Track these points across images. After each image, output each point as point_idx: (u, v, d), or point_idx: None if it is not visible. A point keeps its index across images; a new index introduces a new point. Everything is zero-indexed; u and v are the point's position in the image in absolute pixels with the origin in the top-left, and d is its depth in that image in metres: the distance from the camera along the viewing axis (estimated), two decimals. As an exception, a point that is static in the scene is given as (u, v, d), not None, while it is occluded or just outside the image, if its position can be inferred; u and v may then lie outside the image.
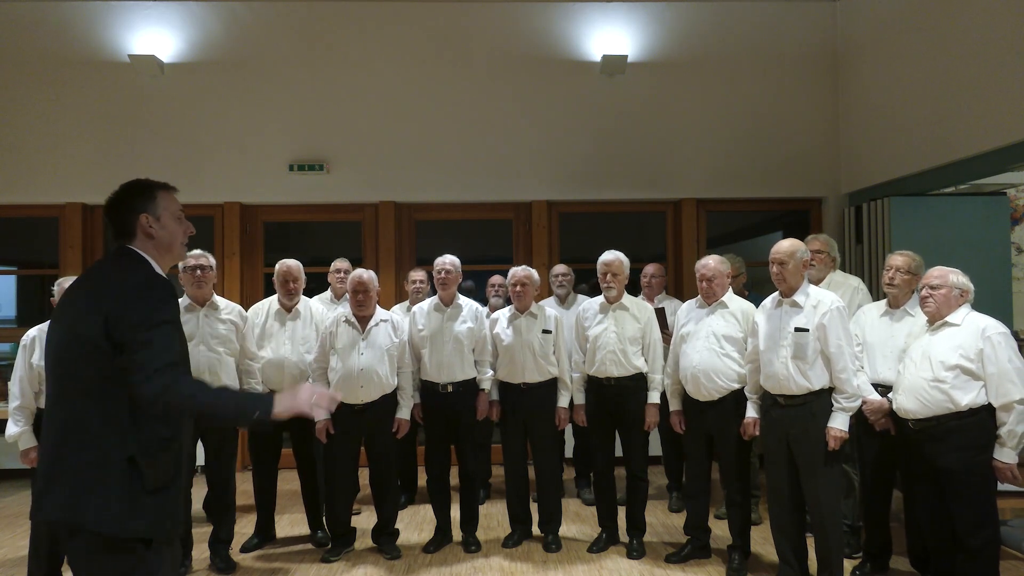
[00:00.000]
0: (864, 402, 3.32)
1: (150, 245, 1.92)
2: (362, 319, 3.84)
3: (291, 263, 4.08)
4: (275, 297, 4.11)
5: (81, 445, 1.75)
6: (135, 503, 1.75)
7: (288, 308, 4.07)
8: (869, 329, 3.55)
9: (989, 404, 3.01)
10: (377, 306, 3.91)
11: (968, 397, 3.01)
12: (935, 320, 3.17)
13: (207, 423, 1.87)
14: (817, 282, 3.82)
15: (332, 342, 3.83)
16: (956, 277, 3.15)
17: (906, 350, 3.30)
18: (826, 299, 3.25)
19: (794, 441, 3.25)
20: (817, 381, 3.20)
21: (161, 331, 1.77)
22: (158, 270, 1.91)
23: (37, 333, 3.43)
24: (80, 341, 1.77)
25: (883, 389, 3.39)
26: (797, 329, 3.23)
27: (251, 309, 4.13)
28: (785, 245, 3.32)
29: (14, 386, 3.37)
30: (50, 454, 1.79)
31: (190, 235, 2.03)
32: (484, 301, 4.86)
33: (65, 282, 3.56)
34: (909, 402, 3.13)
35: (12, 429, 3.36)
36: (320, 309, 4.21)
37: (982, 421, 3.02)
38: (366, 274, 3.85)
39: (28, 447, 3.34)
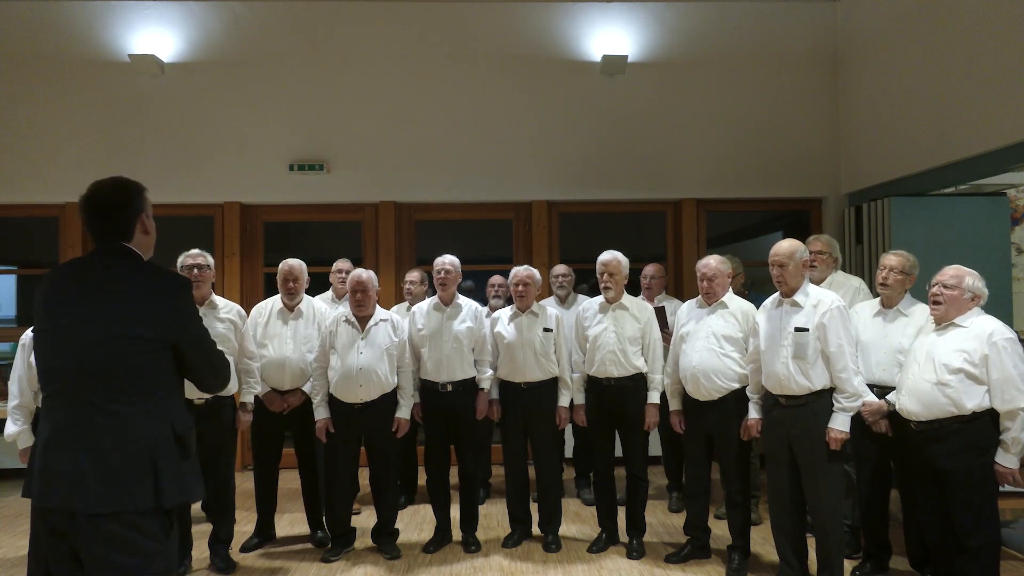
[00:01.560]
0: (862, 403, 3.31)
1: (143, 242, 2.01)
2: (361, 319, 3.84)
3: (293, 263, 4.08)
4: (278, 296, 4.12)
5: (136, 434, 1.84)
6: (186, 472, 1.93)
7: (290, 307, 4.08)
8: (862, 329, 3.52)
9: (992, 408, 2.99)
10: (377, 306, 3.92)
11: (973, 402, 2.97)
12: (941, 321, 3.13)
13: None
14: (819, 282, 3.81)
15: (332, 341, 3.83)
16: (971, 280, 3.09)
17: (910, 349, 3.28)
18: (826, 298, 3.25)
19: (795, 441, 3.25)
20: (818, 381, 3.20)
21: (203, 326, 2.08)
22: None
23: (36, 333, 3.42)
24: (125, 339, 1.86)
25: (878, 390, 3.39)
26: (797, 329, 3.22)
27: (254, 308, 4.14)
28: (784, 246, 3.31)
29: (13, 385, 3.38)
30: (90, 449, 1.81)
31: None
32: (484, 301, 4.86)
33: None
34: (912, 403, 3.11)
35: (11, 428, 3.37)
36: (323, 308, 4.22)
37: (984, 424, 3.00)
38: (365, 274, 3.85)
39: (27, 446, 3.34)
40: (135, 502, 1.82)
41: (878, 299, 3.59)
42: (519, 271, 4.02)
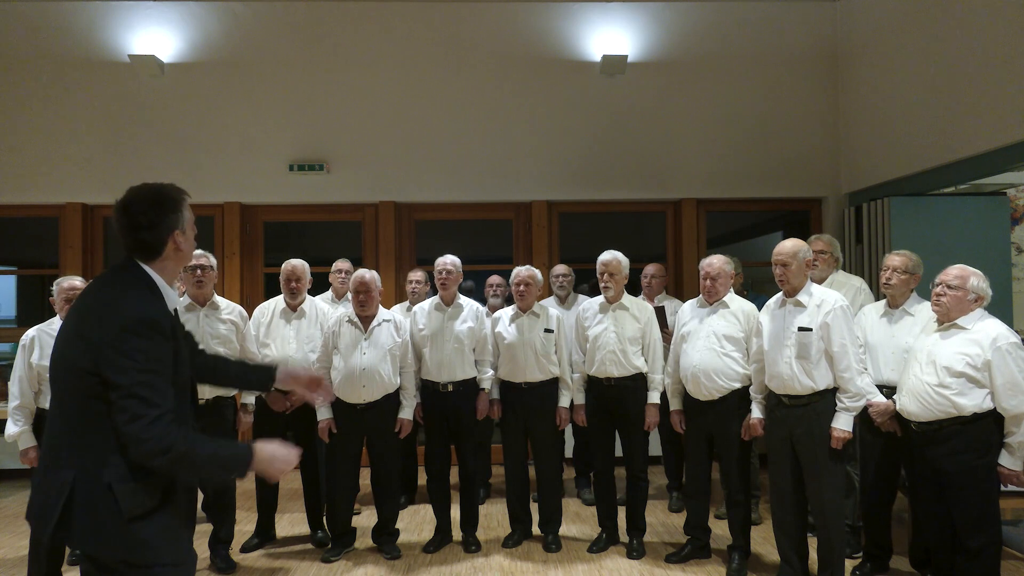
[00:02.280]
0: (870, 404, 3.31)
1: (172, 261, 1.85)
2: (364, 319, 3.84)
3: (296, 263, 4.09)
4: (281, 296, 4.12)
5: (65, 465, 1.70)
6: (118, 528, 1.68)
7: (293, 307, 4.08)
8: (870, 330, 3.53)
9: (993, 409, 2.99)
10: (380, 306, 3.92)
11: (973, 403, 2.98)
12: (943, 321, 3.12)
13: (185, 476, 1.82)
14: (820, 282, 3.81)
15: (335, 342, 3.83)
16: (976, 281, 3.07)
17: (911, 349, 3.27)
18: (829, 298, 3.25)
19: (798, 441, 3.25)
20: (821, 381, 3.20)
21: (152, 374, 1.68)
22: (165, 291, 1.82)
23: (36, 333, 3.43)
24: (69, 362, 1.71)
25: (887, 390, 3.38)
26: (801, 328, 3.22)
27: (257, 308, 4.16)
28: (787, 246, 3.31)
29: (13, 386, 3.38)
30: (43, 466, 1.77)
31: None
32: (484, 301, 4.86)
33: (64, 282, 3.55)
34: (912, 404, 3.12)
35: (11, 428, 3.37)
36: (326, 308, 4.22)
37: (986, 426, 3.00)
38: (368, 274, 3.85)
39: (28, 447, 3.35)
40: (41, 530, 1.70)
41: (884, 300, 3.59)
42: (521, 271, 4.02)
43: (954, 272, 3.12)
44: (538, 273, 4.05)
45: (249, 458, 1.78)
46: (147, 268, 1.81)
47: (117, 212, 1.80)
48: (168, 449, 1.66)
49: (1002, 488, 3.06)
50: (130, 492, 1.69)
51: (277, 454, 1.81)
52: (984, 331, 3.01)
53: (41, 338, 3.39)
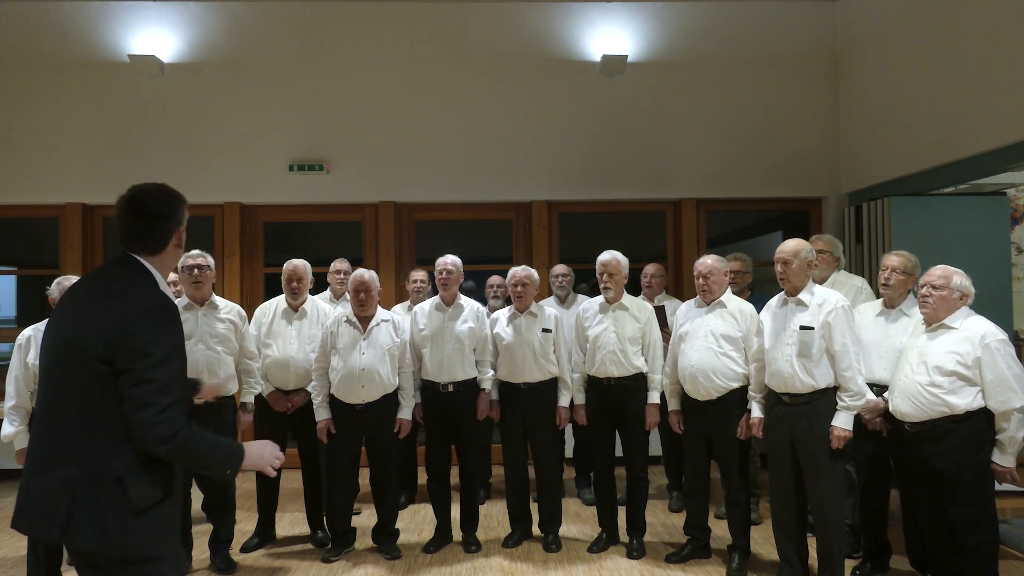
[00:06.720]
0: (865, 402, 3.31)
1: (172, 256, 1.89)
2: (363, 319, 3.84)
3: (297, 263, 4.09)
4: (283, 296, 4.12)
5: (67, 461, 1.69)
6: (122, 524, 1.68)
7: (294, 307, 4.08)
8: (865, 329, 3.53)
9: (985, 407, 3.00)
10: (378, 306, 3.91)
11: (964, 401, 3.00)
12: (932, 321, 3.15)
13: (184, 466, 1.84)
14: (821, 282, 3.80)
15: (333, 342, 3.83)
16: (959, 279, 3.12)
17: (902, 350, 3.29)
18: (831, 298, 3.26)
19: (798, 440, 3.25)
20: (822, 379, 3.20)
21: (166, 363, 1.71)
22: (163, 286, 1.84)
23: (32, 332, 3.43)
24: (76, 353, 1.70)
25: (878, 388, 3.39)
26: (802, 327, 3.22)
27: (259, 308, 4.16)
28: (790, 245, 3.33)
29: (10, 386, 3.37)
30: (34, 466, 1.74)
31: None
32: (484, 301, 4.85)
33: (65, 281, 3.55)
34: (904, 405, 3.13)
35: (8, 429, 3.37)
36: (327, 309, 4.22)
37: (978, 424, 3.01)
38: (367, 274, 3.85)
39: (23, 447, 3.34)
40: (43, 532, 1.71)
41: (880, 300, 3.59)
42: (517, 271, 4.01)
43: (937, 272, 3.16)
44: (534, 273, 4.05)
45: (241, 453, 1.86)
46: (146, 263, 1.84)
47: (124, 205, 1.84)
48: (174, 436, 1.69)
49: (997, 486, 3.07)
50: (140, 484, 1.70)
51: (265, 447, 1.93)
52: (972, 329, 3.04)
53: (37, 337, 3.37)
